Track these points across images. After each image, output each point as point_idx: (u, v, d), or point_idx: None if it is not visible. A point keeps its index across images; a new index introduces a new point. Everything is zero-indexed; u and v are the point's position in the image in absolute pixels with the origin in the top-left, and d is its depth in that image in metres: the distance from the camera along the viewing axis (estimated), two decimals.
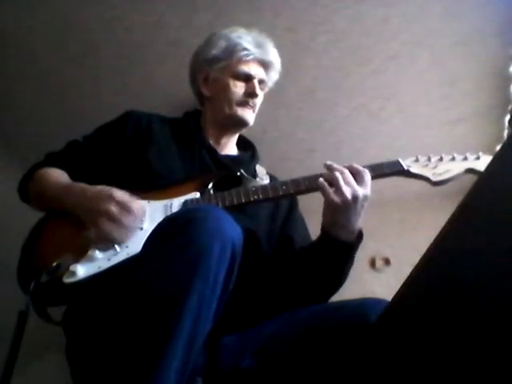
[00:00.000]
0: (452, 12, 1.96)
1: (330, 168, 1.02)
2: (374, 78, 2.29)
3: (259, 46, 1.25)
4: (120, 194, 0.97)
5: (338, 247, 1.01)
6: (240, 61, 1.23)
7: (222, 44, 1.24)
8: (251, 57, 1.24)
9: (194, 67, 1.32)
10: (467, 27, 2.02)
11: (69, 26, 2.03)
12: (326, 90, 2.37)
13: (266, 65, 1.27)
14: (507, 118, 2.44)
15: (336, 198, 0.97)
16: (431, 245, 0.67)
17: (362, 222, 1.02)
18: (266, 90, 1.32)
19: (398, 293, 0.74)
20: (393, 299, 0.77)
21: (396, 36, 2.07)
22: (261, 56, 1.25)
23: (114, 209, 0.95)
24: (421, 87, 2.34)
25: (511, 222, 0.60)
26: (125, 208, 0.96)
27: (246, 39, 1.24)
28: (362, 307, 0.93)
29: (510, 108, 2.40)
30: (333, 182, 0.99)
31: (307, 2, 1.93)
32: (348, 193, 0.97)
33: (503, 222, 0.61)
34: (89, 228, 0.96)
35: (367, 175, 1.01)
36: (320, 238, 1.06)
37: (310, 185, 1.04)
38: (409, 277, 0.71)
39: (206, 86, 1.28)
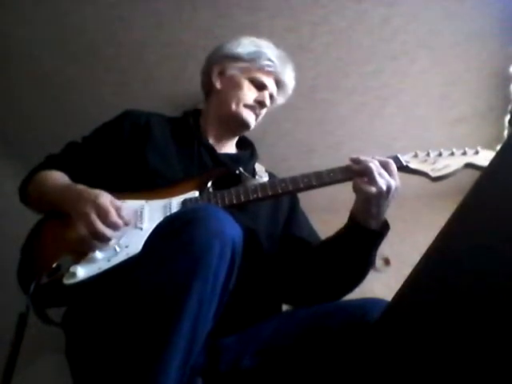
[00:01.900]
0: (452, 12, 1.95)
1: (358, 161, 1.03)
2: (374, 77, 2.29)
3: (282, 63, 1.29)
4: (103, 200, 0.94)
5: (368, 236, 1.03)
6: (261, 69, 1.26)
7: (251, 48, 1.28)
8: (272, 69, 1.27)
9: (212, 58, 1.33)
10: (467, 27, 2.02)
11: (69, 25, 2.03)
12: (326, 90, 2.37)
13: (280, 84, 1.31)
14: (507, 118, 2.44)
15: (372, 189, 0.99)
16: (431, 245, 0.67)
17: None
18: (271, 107, 1.34)
19: (397, 293, 0.74)
20: (393, 299, 0.77)
21: (396, 36, 2.07)
22: (280, 73, 1.29)
23: (91, 215, 0.92)
24: (421, 87, 2.34)
25: (511, 222, 0.60)
26: (103, 215, 0.92)
27: (273, 53, 1.28)
28: (362, 307, 0.93)
29: (509, 108, 2.40)
30: (367, 173, 1.00)
31: (307, 2, 1.93)
32: (383, 183, 0.99)
33: (503, 221, 0.61)
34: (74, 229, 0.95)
35: (393, 166, 1.03)
36: (348, 228, 1.06)
37: (308, 182, 1.04)
38: (409, 277, 0.71)
39: (220, 79, 1.29)
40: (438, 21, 2.00)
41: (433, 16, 1.97)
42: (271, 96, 1.29)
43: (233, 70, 1.27)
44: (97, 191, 0.98)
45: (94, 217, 0.92)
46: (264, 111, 1.30)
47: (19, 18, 1.99)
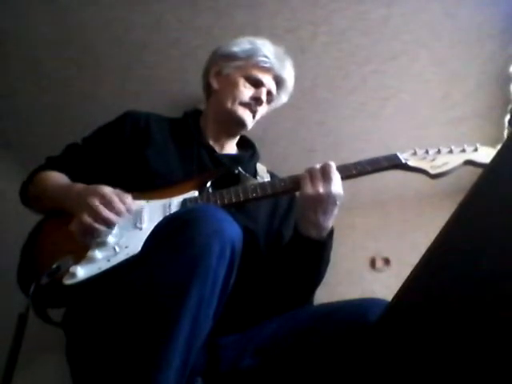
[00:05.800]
0: (452, 12, 1.96)
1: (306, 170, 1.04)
2: (373, 77, 2.29)
3: (279, 59, 1.27)
4: (105, 189, 0.97)
5: (308, 245, 1.01)
6: (256, 66, 1.25)
7: (246, 45, 1.27)
8: (268, 65, 1.25)
9: (211, 59, 1.33)
10: (467, 27, 2.02)
11: (69, 25, 2.03)
12: (326, 90, 2.37)
13: (279, 81, 1.28)
14: (507, 117, 2.44)
15: (310, 191, 0.99)
16: (431, 245, 0.67)
17: (333, 221, 1.03)
18: (272, 105, 1.33)
19: (398, 293, 0.74)
20: (393, 299, 0.77)
21: (396, 36, 2.07)
22: (277, 69, 1.26)
23: (95, 203, 0.94)
24: (421, 87, 2.34)
25: (511, 222, 0.60)
26: (108, 202, 0.95)
27: (269, 49, 1.26)
28: (362, 307, 0.93)
29: (509, 108, 2.40)
30: (310, 176, 1.01)
31: (307, 3, 1.93)
32: (321, 187, 0.99)
33: (503, 221, 0.61)
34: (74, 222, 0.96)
35: (330, 172, 1.01)
36: (292, 237, 1.06)
37: None
38: (409, 277, 0.71)
39: (217, 79, 1.29)
40: (438, 21, 2.00)
41: (433, 16, 1.98)
42: (269, 93, 1.28)
43: (229, 69, 1.26)
44: (97, 185, 0.99)
45: (96, 203, 0.94)
46: (263, 109, 1.28)
47: (19, 17, 1.99)
